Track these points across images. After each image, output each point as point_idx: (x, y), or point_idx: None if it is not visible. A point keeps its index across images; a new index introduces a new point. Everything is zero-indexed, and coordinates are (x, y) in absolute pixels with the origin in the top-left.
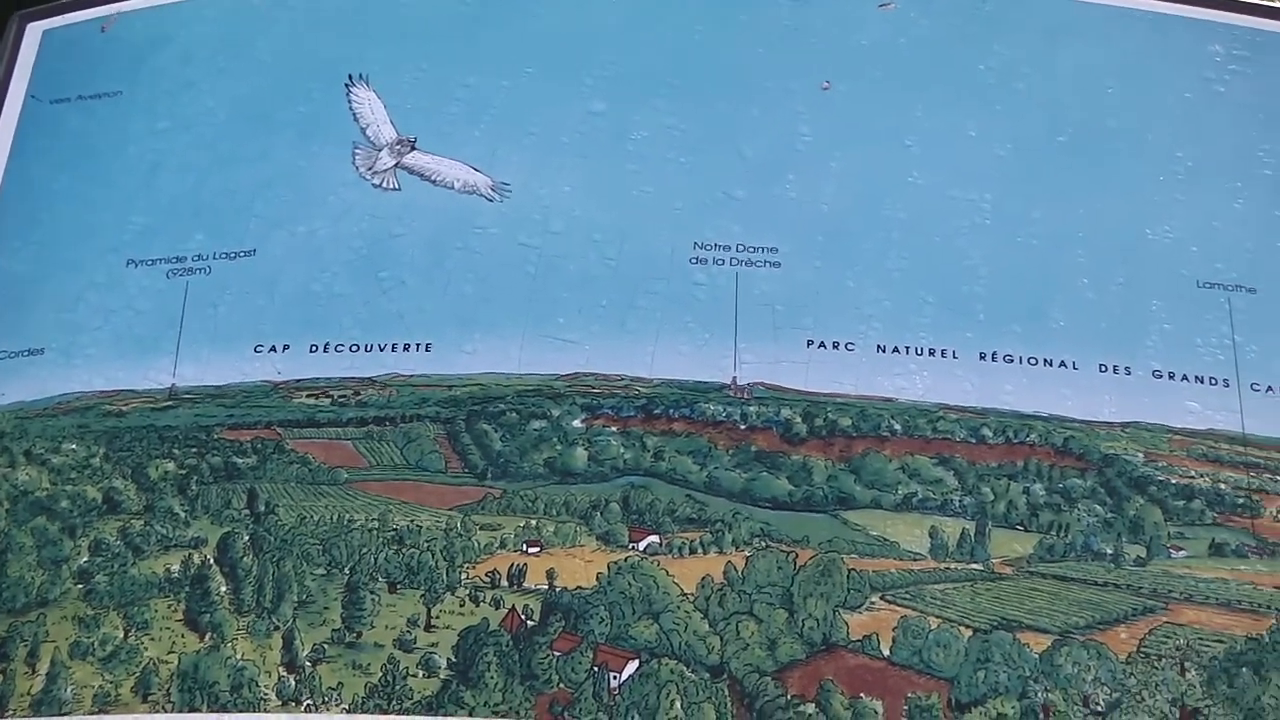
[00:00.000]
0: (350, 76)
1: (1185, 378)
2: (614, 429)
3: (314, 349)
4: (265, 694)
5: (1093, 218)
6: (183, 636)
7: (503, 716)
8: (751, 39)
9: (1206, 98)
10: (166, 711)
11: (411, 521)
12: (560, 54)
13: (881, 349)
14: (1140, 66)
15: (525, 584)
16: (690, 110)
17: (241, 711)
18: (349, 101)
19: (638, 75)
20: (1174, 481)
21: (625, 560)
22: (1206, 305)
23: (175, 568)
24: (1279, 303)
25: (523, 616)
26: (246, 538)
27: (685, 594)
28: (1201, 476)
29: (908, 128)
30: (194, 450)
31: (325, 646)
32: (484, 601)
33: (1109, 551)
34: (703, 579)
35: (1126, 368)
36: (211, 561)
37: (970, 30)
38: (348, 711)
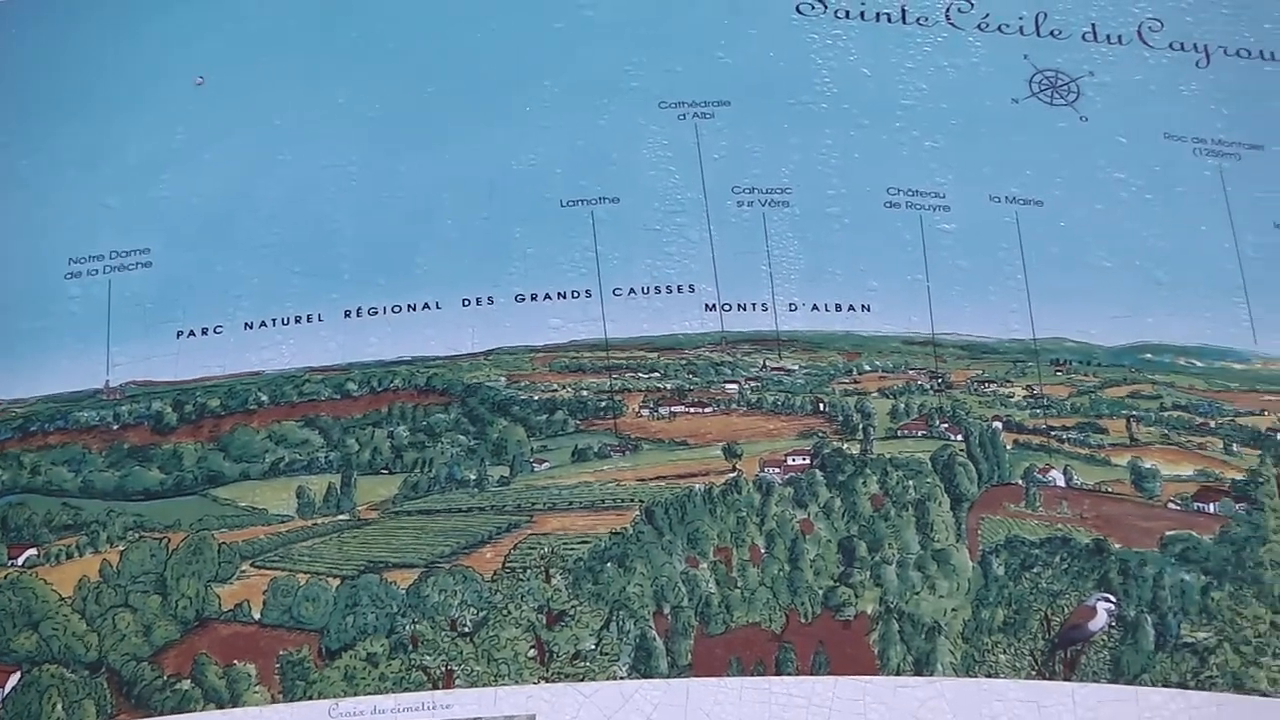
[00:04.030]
0: None
1: (549, 296)
2: None
3: None
4: None
5: (460, 160)
6: None
7: None
8: (133, 46)
9: (576, 23)
10: None
11: None
12: None
13: (249, 326)
14: (511, 3)
15: None
16: (77, 126)
17: None
18: None
19: (33, 99)
20: (536, 398)
21: (4, 577)
22: (571, 223)
23: None
24: (640, 207)
25: None
26: None
27: (64, 599)
28: (564, 388)
29: (280, 107)
30: None
31: None
32: None
33: (472, 477)
34: (80, 580)
35: (490, 298)
36: None
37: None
38: None
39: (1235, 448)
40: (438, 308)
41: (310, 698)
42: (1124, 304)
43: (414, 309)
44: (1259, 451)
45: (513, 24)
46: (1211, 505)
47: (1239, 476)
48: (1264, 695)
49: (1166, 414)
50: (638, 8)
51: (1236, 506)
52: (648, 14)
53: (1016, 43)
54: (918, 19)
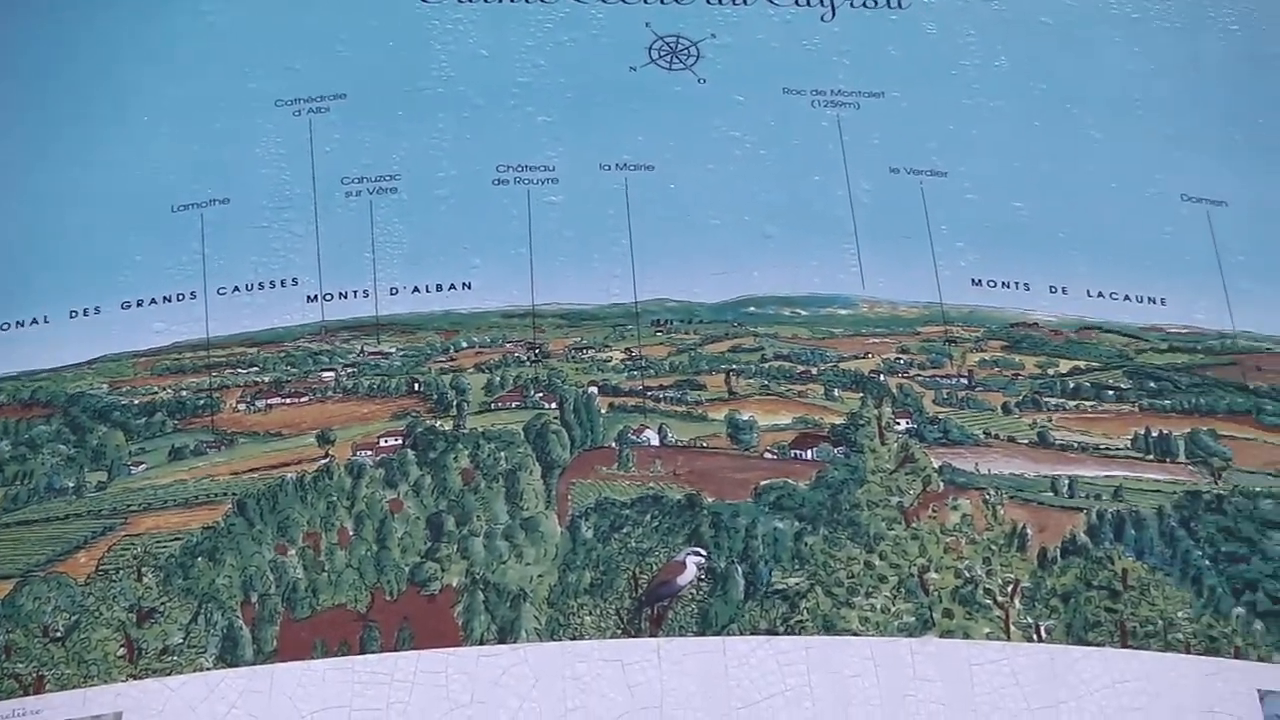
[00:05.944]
0: None
1: (154, 301)
2: None
3: None
4: None
5: (77, 174)
6: None
7: None
8: None
9: (200, 30)
10: None
11: None
12: None
13: None
14: (136, 15)
15: None
16: None
17: None
18: None
19: None
20: (136, 402)
21: None
22: (181, 227)
23: None
24: (249, 207)
25: None
26: None
27: None
28: (164, 390)
29: None
30: None
31: None
32: None
33: (71, 485)
34: None
35: (97, 308)
36: None
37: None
38: None
39: (836, 393)
40: (46, 322)
41: None
42: (730, 260)
43: (23, 325)
44: (860, 394)
45: (137, 35)
46: (809, 451)
47: (838, 421)
48: (854, 635)
49: (767, 365)
50: (261, 9)
51: (835, 451)
52: (271, 14)
53: (639, 11)
54: None
